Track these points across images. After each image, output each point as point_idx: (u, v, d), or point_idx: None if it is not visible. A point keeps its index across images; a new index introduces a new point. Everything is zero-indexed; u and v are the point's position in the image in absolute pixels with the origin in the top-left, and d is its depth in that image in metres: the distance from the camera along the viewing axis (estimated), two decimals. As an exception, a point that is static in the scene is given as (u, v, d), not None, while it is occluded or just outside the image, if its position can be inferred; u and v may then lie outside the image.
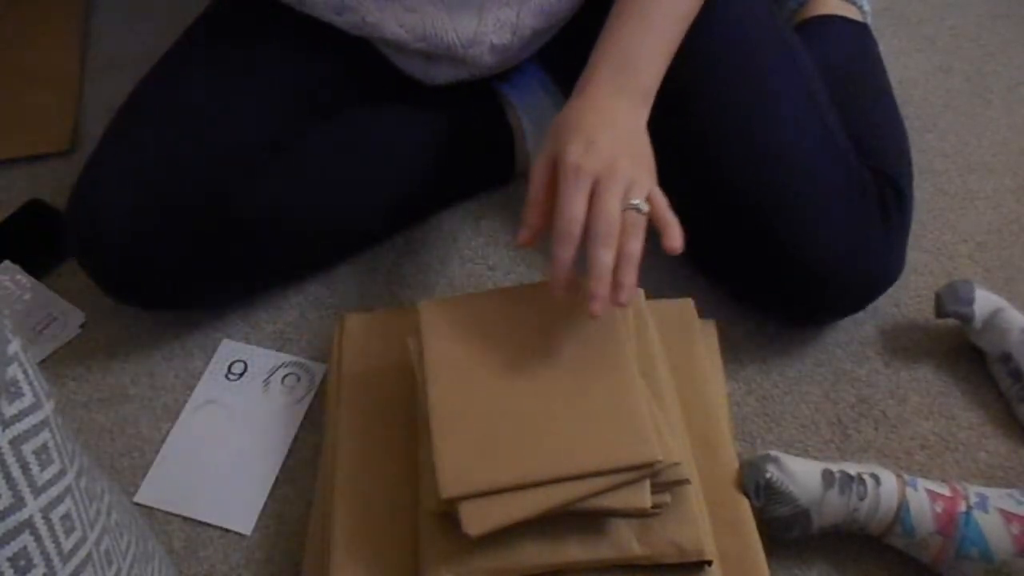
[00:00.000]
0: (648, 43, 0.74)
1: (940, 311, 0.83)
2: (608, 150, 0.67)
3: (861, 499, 0.70)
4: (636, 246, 0.66)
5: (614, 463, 0.63)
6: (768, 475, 0.71)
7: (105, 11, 1.24)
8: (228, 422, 0.85)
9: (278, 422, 0.84)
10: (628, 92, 0.73)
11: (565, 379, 0.67)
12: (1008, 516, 0.69)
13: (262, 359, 0.89)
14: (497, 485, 0.62)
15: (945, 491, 0.71)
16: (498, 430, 0.65)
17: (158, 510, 0.79)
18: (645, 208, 0.67)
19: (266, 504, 0.80)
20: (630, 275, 0.65)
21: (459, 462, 0.63)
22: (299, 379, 0.87)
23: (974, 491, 0.71)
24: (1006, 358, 0.81)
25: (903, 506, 0.70)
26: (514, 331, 0.70)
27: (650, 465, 0.63)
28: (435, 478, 0.63)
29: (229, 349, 0.89)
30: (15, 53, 1.17)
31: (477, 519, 0.62)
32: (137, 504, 0.79)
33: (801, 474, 0.71)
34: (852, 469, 0.72)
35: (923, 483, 0.72)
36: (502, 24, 0.84)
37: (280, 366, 0.88)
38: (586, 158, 0.67)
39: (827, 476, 0.71)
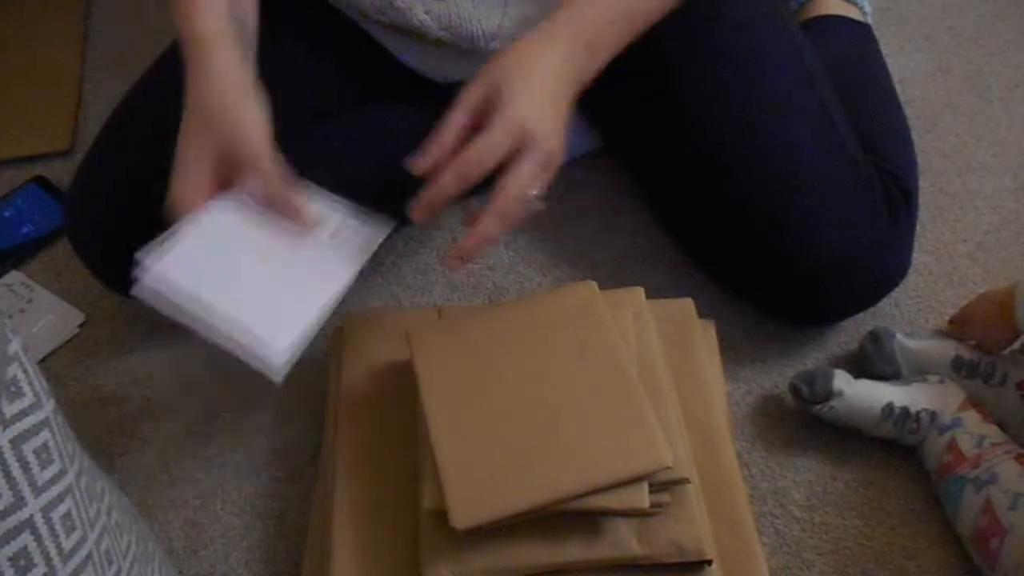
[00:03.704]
0: (613, 16, 0.73)
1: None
2: (554, 119, 0.67)
3: (911, 433, 0.76)
4: (498, 231, 0.66)
5: (625, 474, 0.63)
6: (827, 410, 0.77)
7: (105, 11, 1.23)
8: (267, 231, 0.69)
9: (334, 253, 0.71)
10: (576, 48, 0.71)
11: (566, 392, 0.67)
12: (988, 508, 0.70)
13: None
14: (509, 512, 0.62)
15: (970, 450, 0.73)
16: (503, 452, 0.64)
17: (173, 532, 0.77)
18: (539, 207, 0.67)
19: (266, 503, 0.80)
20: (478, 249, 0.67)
21: (469, 490, 0.63)
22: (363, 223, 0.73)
23: (998, 469, 0.71)
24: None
25: (925, 440, 0.76)
26: (507, 348, 0.70)
27: (661, 470, 0.63)
28: (445, 504, 0.63)
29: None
30: (16, 52, 1.17)
31: (465, 513, 0.62)
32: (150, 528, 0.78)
33: (862, 410, 0.76)
34: (916, 405, 0.76)
35: (959, 432, 0.74)
36: (525, 19, 0.84)
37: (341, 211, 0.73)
38: (533, 119, 0.65)
39: (886, 411, 0.76)
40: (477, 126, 0.67)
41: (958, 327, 0.81)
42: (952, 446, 0.74)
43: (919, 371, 0.80)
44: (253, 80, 0.71)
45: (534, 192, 0.66)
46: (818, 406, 0.77)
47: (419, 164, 0.67)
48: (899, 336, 0.81)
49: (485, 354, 0.70)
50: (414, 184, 0.94)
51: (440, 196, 0.66)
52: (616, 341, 0.69)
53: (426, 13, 0.81)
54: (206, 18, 0.71)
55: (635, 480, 0.63)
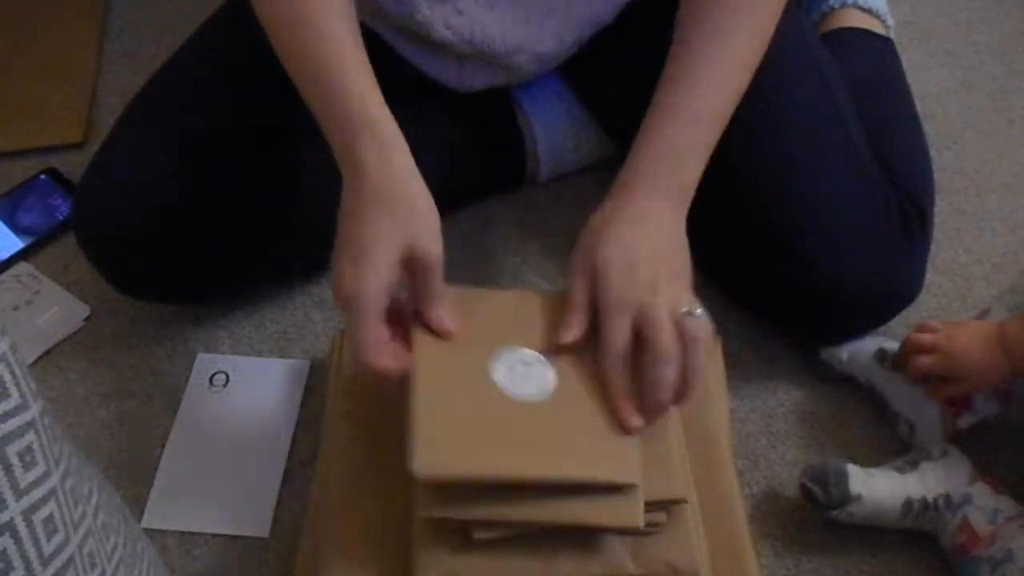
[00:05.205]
0: (692, 139, 0.70)
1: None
2: (651, 272, 0.65)
3: (930, 522, 0.73)
4: (699, 357, 0.63)
5: (592, 520, 0.61)
6: (845, 515, 0.72)
7: (123, 6, 1.24)
8: (220, 433, 0.84)
9: (273, 424, 0.84)
10: (669, 193, 0.69)
11: (562, 385, 0.66)
12: None
13: (243, 366, 0.88)
14: (470, 474, 0.61)
15: (983, 528, 0.70)
16: (481, 420, 0.63)
17: (168, 531, 0.78)
18: (700, 311, 0.64)
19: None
20: (698, 386, 0.63)
21: (437, 445, 0.61)
22: (288, 380, 0.87)
23: (1013, 545, 0.68)
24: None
25: (940, 519, 0.72)
26: (519, 327, 0.68)
27: (629, 487, 0.61)
28: (411, 453, 0.61)
29: (207, 362, 0.88)
30: (33, 44, 1.17)
31: (427, 463, 0.60)
32: (146, 529, 0.78)
33: (881, 512, 0.72)
34: (932, 492, 0.72)
35: (971, 509, 0.71)
36: (548, 32, 0.83)
37: (264, 369, 0.87)
38: (629, 288, 0.64)
39: (906, 507, 0.72)
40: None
41: (937, 364, 0.75)
42: (965, 525, 0.70)
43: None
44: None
45: (683, 309, 0.64)
46: (835, 511, 0.72)
47: (565, 341, 0.65)
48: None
49: (494, 329, 0.68)
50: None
51: (624, 394, 0.64)
52: None
53: (447, 28, 0.81)
54: (373, 98, 0.68)
55: (601, 487, 0.61)
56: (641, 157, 0.70)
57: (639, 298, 0.63)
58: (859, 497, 0.71)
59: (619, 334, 0.64)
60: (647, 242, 0.66)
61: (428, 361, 0.66)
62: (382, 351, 0.63)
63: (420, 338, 0.68)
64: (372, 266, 0.62)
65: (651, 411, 0.64)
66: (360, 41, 0.70)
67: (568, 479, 0.61)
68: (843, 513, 0.72)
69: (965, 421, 0.76)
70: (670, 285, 0.65)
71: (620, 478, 0.61)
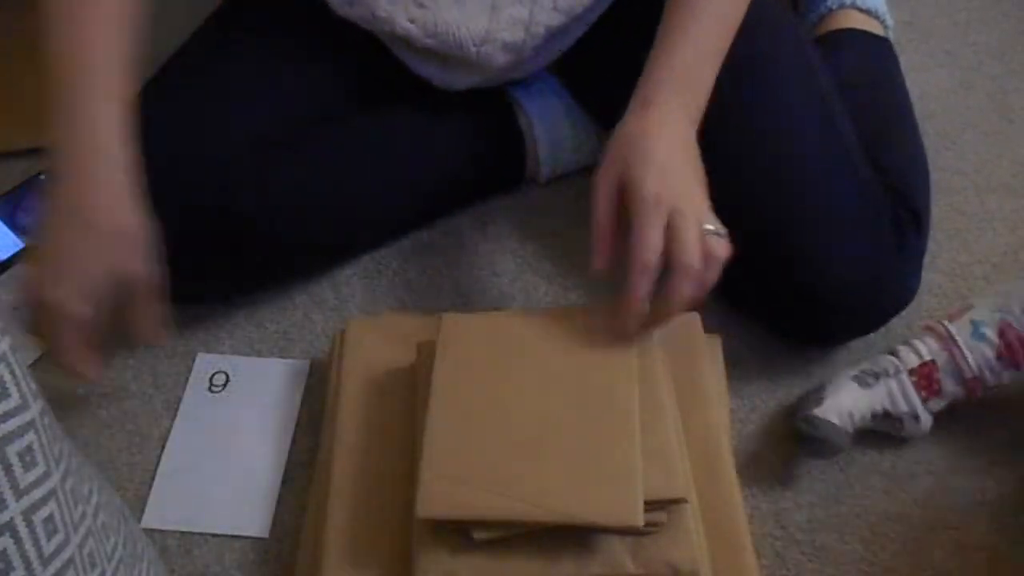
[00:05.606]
0: (707, 60, 0.74)
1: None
2: (682, 179, 0.69)
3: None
4: (716, 276, 0.68)
5: (592, 519, 0.62)
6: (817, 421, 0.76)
7: (124, 4, 1.24)
8: (220, 433, 0.84)
9: (273, 424, 0.84)
10: (688, 110, 0.73)
11: (568, 416, 0.66)
12: None
13: (243, 366, 0.88)
14: (470, 516, 0.62)
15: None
16: (489, 459, 0.64)
17: (168, 531, 0.78)
18: (724, 231, 0.68)
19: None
20: (698, 302, 0.68)
21: (442, 484, 0.63)
22: (288, 380, 0.87)
23: None
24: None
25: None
26: (527, 359, 0.70)
27: (631, 529, 0.62)
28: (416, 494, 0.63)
29: (207, 362, 0.88)
30: (26, 44, 1.17)
31: (430, 503, 0.62)
32: (146, 529, 0.78)
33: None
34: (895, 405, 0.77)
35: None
36: (514, 21, 0.83)
37: (264, 370, 0.87)
38: (664, 188, 0.67)
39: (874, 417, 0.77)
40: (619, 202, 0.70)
41: None
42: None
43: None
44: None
45: (708, 226, 0.68)
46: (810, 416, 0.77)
47: (601, 265, 0.70)
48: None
49: (508, 361, 0.70)
50: (415, 187, 0.94)
51: (642, 299, 0.67)
52: (634, 385, 0.68)
53: (410, 21, 0.81)
54: (106, 112, 0.72)
55: (600, 530, 0.63)
56: (658, 77, 0.72)
57: (672, 200, 0.67)
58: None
59: (656, 231, 0.66)
60: (674, 152, 0.70)
61: (443, 392, 0.68)
62: (82, 355, 0.70)
63: (441, 373, 0.69)
64: (75, 283, 0.68)
65: (656, 319, 0.69)
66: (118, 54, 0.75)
67: (567, 522, 0.62)
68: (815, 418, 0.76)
69: (935, 404, 0.78)
70: (697, 195, 0.69)
71: (620, 522, 0.62)
